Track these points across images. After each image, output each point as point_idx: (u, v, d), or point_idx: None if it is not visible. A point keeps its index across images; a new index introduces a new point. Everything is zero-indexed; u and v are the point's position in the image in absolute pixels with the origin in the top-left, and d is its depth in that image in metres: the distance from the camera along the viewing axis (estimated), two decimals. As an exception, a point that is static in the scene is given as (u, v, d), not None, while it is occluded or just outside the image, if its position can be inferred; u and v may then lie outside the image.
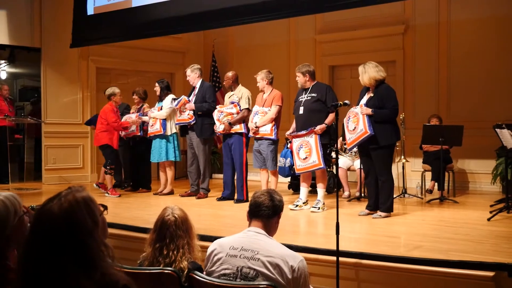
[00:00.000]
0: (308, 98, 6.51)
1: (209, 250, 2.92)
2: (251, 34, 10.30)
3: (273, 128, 6.92)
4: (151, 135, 8.15)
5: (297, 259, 2.76)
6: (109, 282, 1.68)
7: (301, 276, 2.73)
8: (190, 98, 7.78)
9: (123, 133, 8.42)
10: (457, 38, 8.65)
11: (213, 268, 2.83)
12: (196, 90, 7.79)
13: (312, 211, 6.35)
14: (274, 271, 2.69)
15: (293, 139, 6.59)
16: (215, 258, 2.84)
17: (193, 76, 7.80)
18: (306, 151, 6.36)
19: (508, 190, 6.53)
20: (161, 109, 8.09)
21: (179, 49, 11.12)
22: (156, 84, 8.35)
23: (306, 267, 2.79)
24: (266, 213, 2.92)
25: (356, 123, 5.90)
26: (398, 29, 9.18)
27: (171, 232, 2.92)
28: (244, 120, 7.32)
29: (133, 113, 8.58)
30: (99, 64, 10.28)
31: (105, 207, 1.91)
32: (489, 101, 8.30)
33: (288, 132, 6.72)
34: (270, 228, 2.95)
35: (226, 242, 2.88)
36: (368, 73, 5.90)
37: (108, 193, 7.94)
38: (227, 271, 2.76)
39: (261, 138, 6.99)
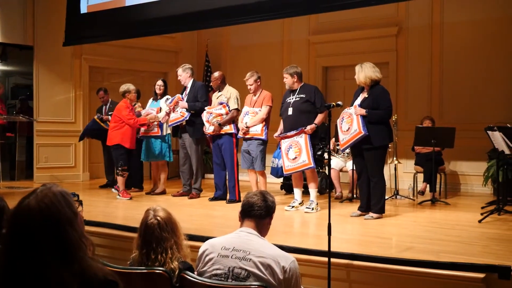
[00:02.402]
0: (297, 99, 6.51)
1: (200, 250, 2.91)
2: (244, 34, 10.29)
3: (264, 128, 6.90)
4: (145, 135, 8.08)
5: (288, 260, 2.76)
6: (88, 274, 1.67)
7: (292, 276, 2.74)
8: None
9: (142, 130, 8.03)
10: (450, 40, 8.69)
11: (204, 268, 2.83)
12: (188, 90, 7.76)
13: (305, 212, 6.36)
14: (266, 271, 2.69)
15: (282, 141, 6.58)
16: (207, 258, 2.83)
17: (185, 75, 7.77)
18: (296, 151, 6.36)
19: (499, 192, 6.58)
20: (160, 110, 8.01)
21: (172, 48, 11.10)
22: (162, 83, 8.23)
23: (297, 268, 2.80)
24: (258, 213, 2.92)
25: (350, 123, 5.91)
26: (391, 31, 9.20)
27: (156, 236, 2.86)
28: (234, 120, 7.31)
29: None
30: (92, 62, 10.24)
31: (80, 203, 1.91)
32: (481, 104, 8.34)
33: (276, 134, 6.70)
34: (262, 228, 2.95)
35: (217, 242, 2.88)
36: (365, 72, 5.92)
37: (119, 195, 7.61)
38: (218, 272, 2.76)
39: (250, 139, 6.96)
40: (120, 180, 7.69)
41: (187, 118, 7.58)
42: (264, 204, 2.94)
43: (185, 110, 7.58)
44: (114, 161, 7.86)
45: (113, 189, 8.02)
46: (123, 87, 7.80)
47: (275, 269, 2.70)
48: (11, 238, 1.70)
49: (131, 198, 7.59)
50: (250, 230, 2.88)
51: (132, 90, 7.77)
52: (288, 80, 6.60)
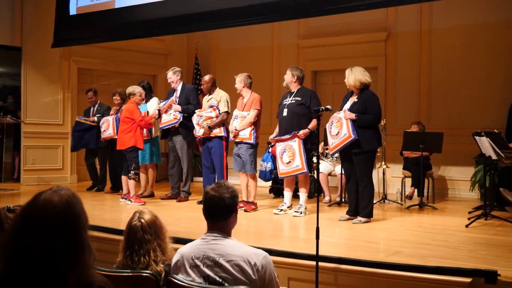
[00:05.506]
0: (292, 101, 6.53)
1: (173, 261, 2.84)
2: (234, 37, 10.28)
3: (252, 132, 6.89)
4: None
5: (259, 256, 2.69)
6: (86, 280, 1.66)
7: (266, 272, 2.67)
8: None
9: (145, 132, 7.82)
10: (439, 45, 8.74)
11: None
12: (178, 93, 7.75)
13: (294, 216, 6.36)
14: (239, 274, 2.64)
15: (277, 143, 6.59)
16: (181, 269, 2.77)
17: (175, 78, 7.75)
18: (290, 156, 6.37)
19: (486, 197, 6.62)
20: (147, 113, 7.95)
21: (162, 51, 11.07)
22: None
23: (270, 262, 2.72)
24: (220, 216, 2.82)
25: (340, 127, 5.93)
26: (381, 36, 9.25)
27: (139, 238, 2.89)
28: (224, 123, 7.30)
29: (112, 114, 8.48)
30: (81, 64, 10.19)
31: None
32: (469, 109, 8.39)
33: (271, 136, 6.72)
34: (228, 227, 2.84)
35: (187, 252, 2.79)
36: (355, 75, 5.95)
37: (131, 201, 7.28)
38: (193, 283, 2.70)
39: (240, 142, 6.97)
40: (132, 184, 7.34)
41: (180, 120, 7.57)
42: (223, 204, 2.79)
43: (178, 112, 7.56)
44: (127, 164, 7.41)
45: (121, 199, 7.52)
46: (129, 89, 7.54)
47: (246, 269, 2.64)
48: (27, 228, 1.66)
49: (144, 204, 7.19)
50: (216, 234, 2.79)
51: (137, 93, 7.51)
52: (287, 77, 6.62)
